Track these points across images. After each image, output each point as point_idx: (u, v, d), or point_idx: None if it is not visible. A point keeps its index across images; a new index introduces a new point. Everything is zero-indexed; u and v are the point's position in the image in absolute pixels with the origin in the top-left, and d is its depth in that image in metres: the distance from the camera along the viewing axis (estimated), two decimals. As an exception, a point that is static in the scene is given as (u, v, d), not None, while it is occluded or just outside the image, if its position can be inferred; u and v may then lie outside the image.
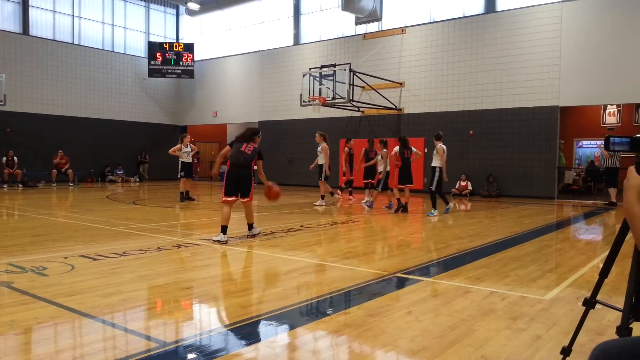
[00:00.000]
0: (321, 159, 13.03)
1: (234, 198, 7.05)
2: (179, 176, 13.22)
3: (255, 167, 7.33)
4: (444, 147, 10.82)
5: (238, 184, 7.08)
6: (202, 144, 29.19)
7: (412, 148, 11.52)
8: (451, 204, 11.14)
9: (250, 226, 7.44)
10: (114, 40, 23.75)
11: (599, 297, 2.27)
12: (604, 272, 2.20)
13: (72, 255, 5.75)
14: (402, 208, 11.29)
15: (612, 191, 13.53)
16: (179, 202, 12.98)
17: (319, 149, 13.05)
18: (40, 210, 10.87)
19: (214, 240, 6.83)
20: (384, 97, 17.74)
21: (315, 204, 12.65)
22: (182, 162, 13.08)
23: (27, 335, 3.27)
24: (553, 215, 11.71)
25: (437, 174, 10.62)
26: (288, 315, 3.77)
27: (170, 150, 13.18)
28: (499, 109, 16.22)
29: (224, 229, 6.88)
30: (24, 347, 3.09)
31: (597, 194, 17.68)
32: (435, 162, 10.69)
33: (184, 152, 13.03)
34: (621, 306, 1.99)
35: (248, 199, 7.15)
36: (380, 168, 12.19)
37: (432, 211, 10.68)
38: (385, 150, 12.12)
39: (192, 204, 12.89)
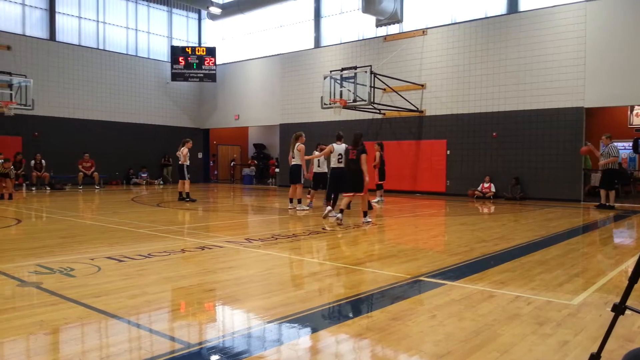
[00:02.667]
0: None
1: (351, 194, 9.27)
2: (186, 178, 13.77)
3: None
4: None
5: (354, 183, 9.15)
6: (224, 146, 29.48)
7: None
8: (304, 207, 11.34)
9: (365, 214, 9.30)
10: (137, 45, 24.15)
11: (628, 303, 2.22)
12: (634, 277, 2.16)
13: (98, 257, 5.85)
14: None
15: (604, 193, 13.27)
16: (187, 203, 13.51)
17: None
18: (68, 213, 11.10)
19: (334, 216, 9.27)
20: (405, 99, 17.66)
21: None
22: (187, 165, 13.74)
23: (56, 335, 3.34)
24: (579, 218, 11.49)
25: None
26: (310, 318, 3.78)
27: (181, 154, 13.78)
28: (522, 111, 16.00)
29: (341, 211, 9.12)
30: (52, 346, 3.15)
31: (624, 197, 17.30)
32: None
33: (187, 155, 13.81)
34: (652, 312, 1.94)
35: (363, 193, 9.17)
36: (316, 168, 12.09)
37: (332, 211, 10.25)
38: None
39: (205, 205, 13.03)
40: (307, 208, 11.85)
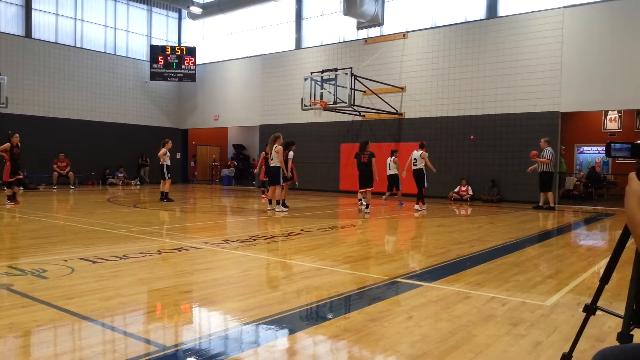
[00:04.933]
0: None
1: (368, 189, 11.73)
2: (167, 178, 13.88)
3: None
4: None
5: (366, 180, 11.71)
6: (203, 147, 29.23)
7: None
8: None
9: (367, 206, 11.56)
10: (116, 43, 23.81)
11: (599, 304, 2.26)
12: (605, 278, 2.20)
13: (72, 258, 5.74)
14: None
15: (543, 196, 13.76)
16: (164, 203, 13.58)
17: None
18: (41, 213, 10.88)
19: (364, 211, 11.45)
20: (385, 101, 17.76)
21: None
22: (167, 165, 13.81)
23: (27, 338, 3.27)
24: (554, 220, 11.70)
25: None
26: (288, 319, 3.77)
27: (161, 154, 13.83)
28: (500, 114, 16.23)
29: (367, 206, 11.61)
30: (23, 350, 3.08)
31: (597, 200, 17.68)
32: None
33: (167, 155, 13.87)
34: (622, 312, 1.98)
35: (371, 189, 11.75)
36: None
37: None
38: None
39: (187, 206, 12.93)
40: (286, 209, 11.84)
